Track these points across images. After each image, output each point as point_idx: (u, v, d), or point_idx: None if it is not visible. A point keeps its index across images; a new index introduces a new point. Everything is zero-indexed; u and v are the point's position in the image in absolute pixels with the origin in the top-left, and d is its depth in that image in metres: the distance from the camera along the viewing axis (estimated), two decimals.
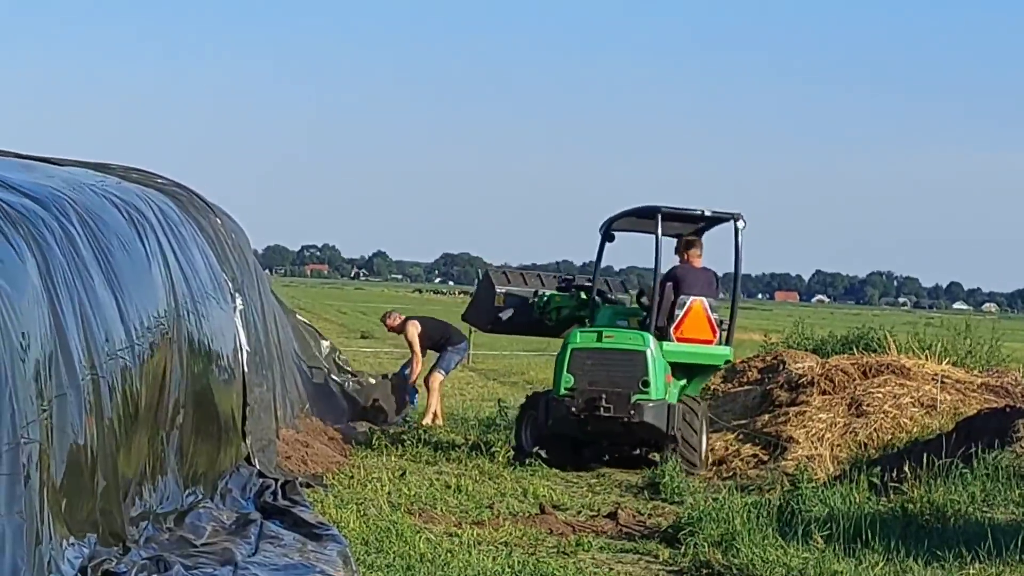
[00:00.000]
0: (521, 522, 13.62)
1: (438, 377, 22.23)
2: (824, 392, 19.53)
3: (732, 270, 19.07)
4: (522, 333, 21.23)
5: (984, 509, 13.72)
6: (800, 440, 18.15)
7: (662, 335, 18.04)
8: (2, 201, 9.31)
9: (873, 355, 21.71)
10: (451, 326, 22.96)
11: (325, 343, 23.36)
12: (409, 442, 18.75)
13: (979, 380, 20.32)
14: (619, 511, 14.47)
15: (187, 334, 12.48)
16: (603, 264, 19.32)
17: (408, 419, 21.24)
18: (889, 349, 22.86)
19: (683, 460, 17.63)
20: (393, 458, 17.83)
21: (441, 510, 14.16)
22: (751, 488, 16.34)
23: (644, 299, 18.87)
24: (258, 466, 14.34)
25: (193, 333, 12.74)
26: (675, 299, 18.14)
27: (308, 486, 14.45)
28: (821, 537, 12.16)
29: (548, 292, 20.09)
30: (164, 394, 11.53)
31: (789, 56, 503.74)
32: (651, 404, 17.59)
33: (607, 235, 18.88)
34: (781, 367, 21.79)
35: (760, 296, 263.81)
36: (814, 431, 18.35)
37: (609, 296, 19.48)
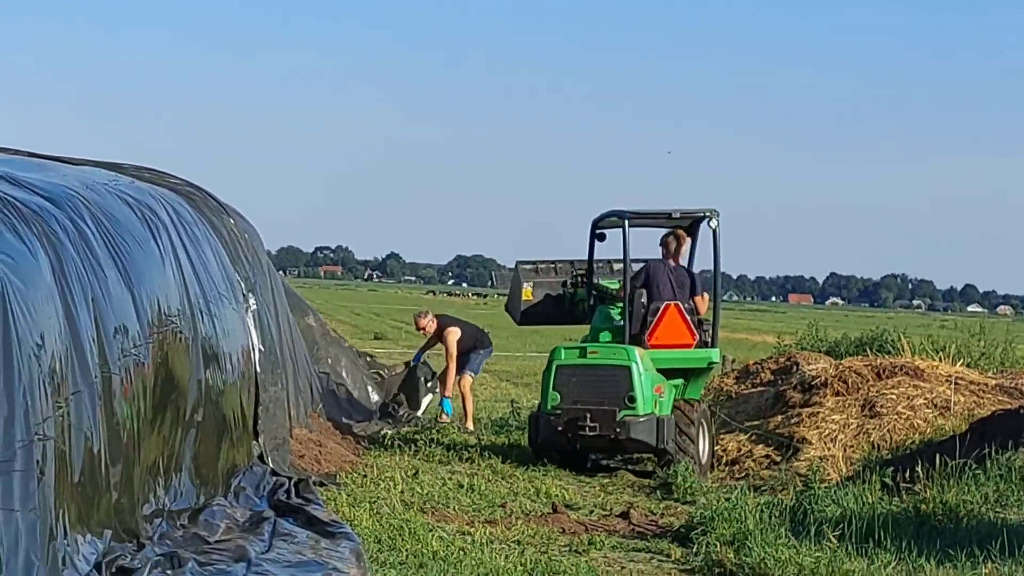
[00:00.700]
0: (533, 521, 13.64)
1: (469, 380, 22.18)
2: (837, 393, 19.51)
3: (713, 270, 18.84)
4: (555, 323, 21.06)
5: (997, 509, 13.71)
6: (813, 441, 18.13)
7: (636, 343, 17.86)
8: (16, 199, 9.35)
9: (887, 357, 21.69)
10: (481, 330, 22.93)
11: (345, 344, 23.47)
12: (422, 442, 18.79)
13: (993, 382, 20.29)
14: (631, 510, 14.48)
15: (200, 333, 12.51)
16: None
17: (424, 421, 21.24)
18: (903, 351, 22.84)
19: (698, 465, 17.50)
20: (406, 457, 17.85)
21: (454, 509, 14.18)
22: (764, 488, 16.35)
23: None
24: (272, 465, 14.37)
25: (206, 332, 12.78)
26: (648, 304, 18.03)
27: (321, 484, 14.48)
28: (833, 537, 12.15)
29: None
30: (177, 392, 11.57)
31: (805, 56, 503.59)
32: (639, 420, 17.24)
33: (596, 235, 18.90)
34: (794, 368, 21.78)
35: (774, 299, 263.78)
36: (827, 432, 18.33)
37: (608, 291, 19.22)
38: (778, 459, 18.06)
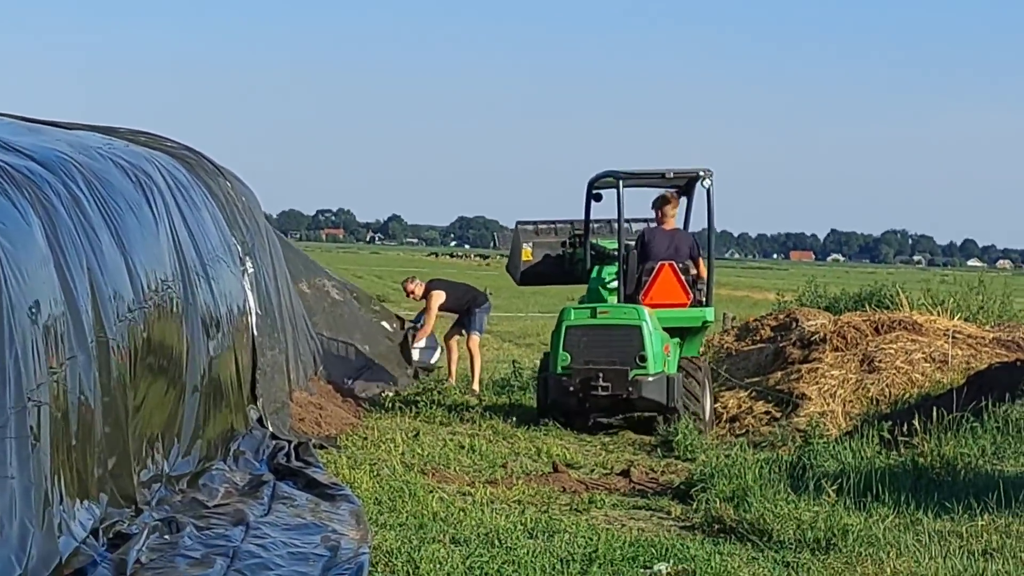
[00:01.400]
0: (534, 481, 13.65)
1: (476, 339, 22.31)
2: (836, 349, 19.54)
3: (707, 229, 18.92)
4: (555, 283, 21.19)
5: (994, 462, 13.74)
6: (812, 397, 18.16)
7: (630, 302, 17.94)
8: (7, 164, 9.32)
9: (885, 312, 21.71)
10: (473, 288, 23.10)
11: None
12: (423, 403, 18.80)
13: (991, 335, 20.31)
14: (632, 469, 14.51)
15: (196, 297, 12.50)
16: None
17: (420, 381, 21.28)
18: (901, 306, 22.85)
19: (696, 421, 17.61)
20: (407, 419, 17.87)
21: (454, 470, 14.19)
22: (763, 445, 16.38)
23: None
24: (271, 428, 14.38)
25: (203, 296, 12.76)
26: (641, 265, 18.04)
27: (321, 447, 14.49)
28: (832, 491, 12.17)
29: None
30: (174, 357, 11.56)
31: (806, 11, 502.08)
32: (650, 378, 17.35)
33: (593, 194, 18.96)
34: (794, 325, 21.80)
35: (775, 256, 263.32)
36: (826, 387, 18.36)
37: (605, 251, 19.24)
38: (778, 415, 18.10)
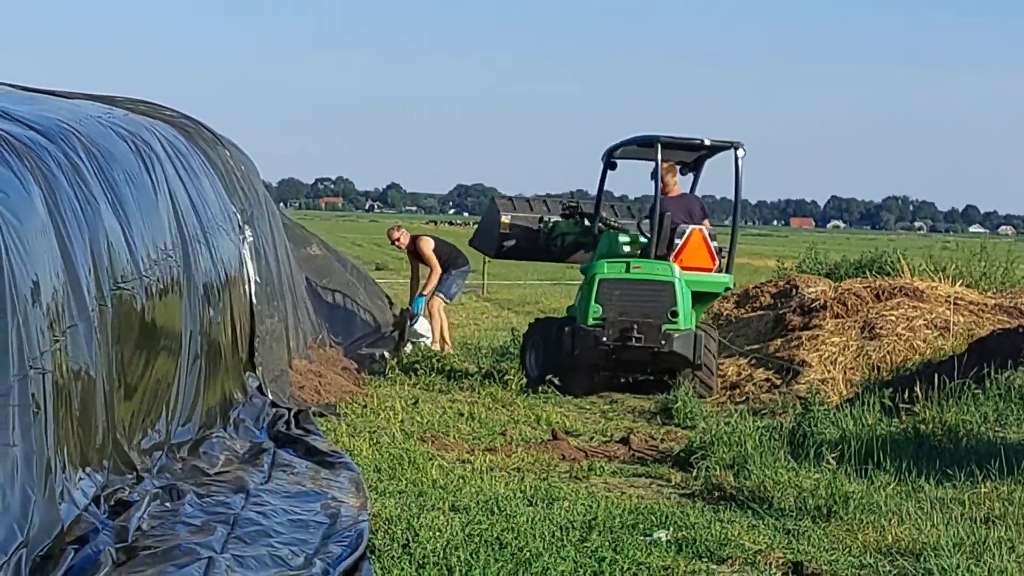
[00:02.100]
0: (533, 448, 13.65)
1: (438, 303, 22.11)
2: (837, 316, 19.50)
3: (733, 197, 19.03)
4: (529, 259, 21.38)
5: (996, 429, 13.72)
6: (813, 364, 18.15)
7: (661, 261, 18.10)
8: (7, 133, 9.29)
9: (886, 278, 21.67)
10: (458, 249, 22.87)
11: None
12: (422, 371, 18.80)
13: (992, 301, 20.27)
14: (631, 436, 14.50)
15: (196, 266, 12.49)
16: (611, 191, 19.35)
17: (415, 345, 21.22)
18: (902, 272, 22.82)
19: (701, 384, 17.94)
20: (406, 387, 17.88)
21: (454, 437, 14.20)
22: (763, 412, 16.36)
23: (644, 225, 18.88)
24: (271, 396, 14.38)
25: (202, 265, 12.76)
26: (674, 227, 18.15)
27: (321, 415, 14.49)
28: (832, 459, 12.17)
29: (554, 219, 20.16)
30: (173, 325, 11.56)
31: None
32: (679, 334, 17.76)
33: (608, 163, 19.00)
34: (794, 292, 21.78)
35: (776, 223, 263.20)
36: (827, 355, 18.34)
37: (612, 222, 19.46)
38: (778, 382, 18.09)
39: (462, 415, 15.60)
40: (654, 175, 18.29)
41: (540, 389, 17.76)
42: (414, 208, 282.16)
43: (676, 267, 17.93)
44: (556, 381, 18.06)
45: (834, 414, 14.21)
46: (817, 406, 14.33)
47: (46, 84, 14.59)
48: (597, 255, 18.64)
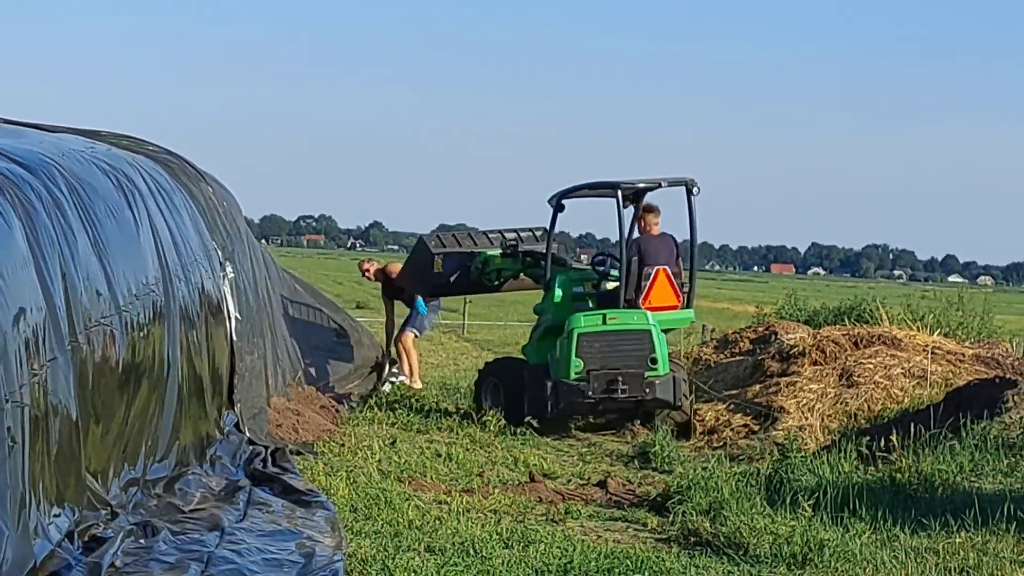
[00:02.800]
0: (511, 490, 13.64)
1: (409, 336, 22.08)
2: (815, 363, 19.56)
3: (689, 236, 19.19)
4: (464, 293, 21.63)
5: (972, 479, 13.77)
6: (790, 410, 18.18)
7: (631, 306, 18.23)
8: None
9: (865, 326, 21.75)
10: None
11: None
12: (401, 410, 18.79)
13: (970, 351, 20.34)
14: (608, 480, 14.49)
15: (176, 302, 12.47)
16: (561, 230, 19.47)
17: (394, 385, 21.22)
18: (881, 320, 22.88)
19: (677, 426, 18.14)
20: (384, 426, 17.86)
21: (431, 478, 14.18)
22: (741, 458, 16.39)
23: (600, 263, 19.09)
24: (248, 434, 14.34)
25: (182, 301, 12.73)
26: (640, 270, 18.26)
27: (298, 454, 14.46)
28: (808, 506, 12.18)
29: (487, 253, 20.23)
30: (152, 361, 11.52)
31: (782, 26, 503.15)
32: (660, 380, 17.95)
33: (558, 206, 19.06)
34: (773, 338, 21.80)
35: (756, 268, 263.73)
36: (804, 401, 18.38)
37: (562, 260, 19.62)
38: (756, 428, 18.11)
39: (440, 455, 15.59)
40: (635, 220, 18.45)
41: (518, 431, 17.76)
42: (396, 247, 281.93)
43: (649, 314, 18.08)
44: (535, 424, 18.13)
45: (811, 461, 14.23)
46: (794, 453, 14.37)
47: (30, 117, 14.60)
48: (552, 299, 18.64)
